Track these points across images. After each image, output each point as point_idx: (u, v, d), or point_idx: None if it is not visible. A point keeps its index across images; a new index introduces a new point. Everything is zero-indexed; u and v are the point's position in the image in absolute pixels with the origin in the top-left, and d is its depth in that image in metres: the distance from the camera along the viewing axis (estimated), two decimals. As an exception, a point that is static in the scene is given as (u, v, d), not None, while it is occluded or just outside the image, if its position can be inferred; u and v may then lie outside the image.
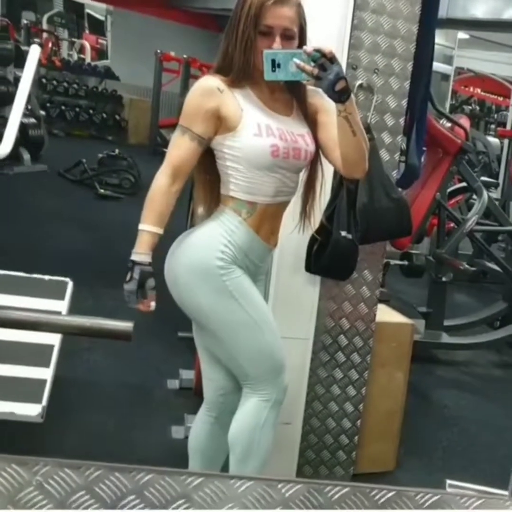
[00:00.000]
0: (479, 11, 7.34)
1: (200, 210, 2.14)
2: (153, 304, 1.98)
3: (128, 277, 1.96)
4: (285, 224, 2.16)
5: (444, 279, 4.70)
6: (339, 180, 2.44)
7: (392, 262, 4.46)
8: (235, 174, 2.00)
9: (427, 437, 3.53)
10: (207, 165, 2.06)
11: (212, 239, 2.02)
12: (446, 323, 4.81)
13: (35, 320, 2.00)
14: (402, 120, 2.68)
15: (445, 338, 4.70)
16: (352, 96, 1.84)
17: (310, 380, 2.70)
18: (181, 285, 2.04)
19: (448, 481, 1.79)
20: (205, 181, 2.11)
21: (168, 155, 1.99)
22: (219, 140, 1.99)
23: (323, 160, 2.12)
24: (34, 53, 3.44)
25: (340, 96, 1.81)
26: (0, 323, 1.83)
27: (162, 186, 1.96)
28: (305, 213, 2.19)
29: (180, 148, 1.97)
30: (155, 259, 2.02)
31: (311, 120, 2.07)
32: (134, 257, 1.97)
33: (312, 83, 1.82)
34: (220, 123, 1.97)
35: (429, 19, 2.71)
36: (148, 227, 1.96)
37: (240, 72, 1.95)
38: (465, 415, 3.90)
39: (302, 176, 2.13)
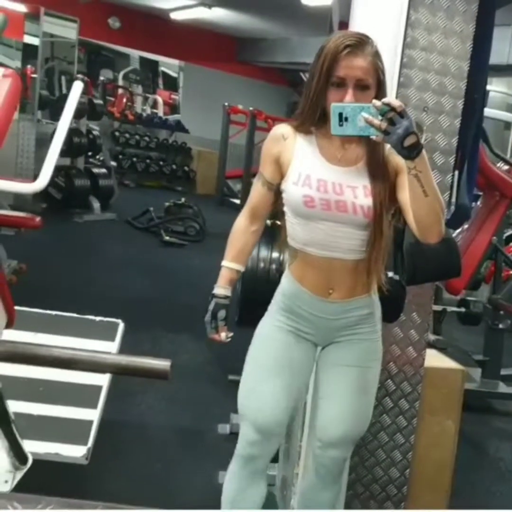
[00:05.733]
0: (542, 57, 7.21)
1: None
2: (223, 335, 2.08)
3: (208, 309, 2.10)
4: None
5: (501, 326, 4.50)
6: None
7: (449, 308, 4.33)
8: (288, 219, 2.02)
9: (480, 490, 3.37)
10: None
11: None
12: (503, 372, 4.60)
13: (69, 357, 1.99)
14: (452, 159, 2.61)
15: (502, 388, 4.50)
16: (424, 152, 1.74)
17: (356, 427, 2.60)
18: None
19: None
20: (283, 225, 2.11)
21: (249, 197, 2.13)
22: (281, 186, 2.01)
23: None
24: (76, 88, 3.55)
25: (410, 152, 1.71)
26: (31, 359, 1.84)
27: (241, 226, 2.13)
28: (368, 274, 2.02)
29: (255, 192, 2.09)
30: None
31: (392, 181, 1.97)
32: (214, 290, 2.11)
33: (380, 138, 1.74)
34: (280, 169, 2.00)
35: (481, 56, 2.66)
36: (227, 263, 2.12)
37: (306, 120, 1.96)
38: (522, 469, 3.70)
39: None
